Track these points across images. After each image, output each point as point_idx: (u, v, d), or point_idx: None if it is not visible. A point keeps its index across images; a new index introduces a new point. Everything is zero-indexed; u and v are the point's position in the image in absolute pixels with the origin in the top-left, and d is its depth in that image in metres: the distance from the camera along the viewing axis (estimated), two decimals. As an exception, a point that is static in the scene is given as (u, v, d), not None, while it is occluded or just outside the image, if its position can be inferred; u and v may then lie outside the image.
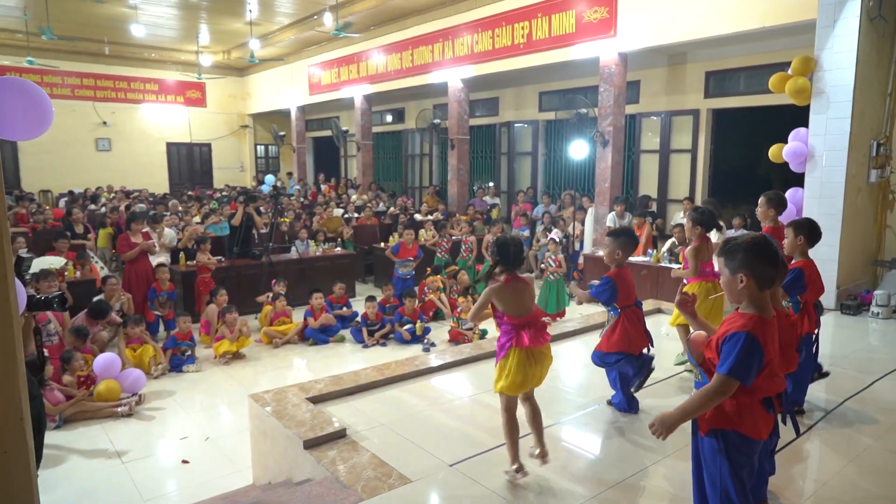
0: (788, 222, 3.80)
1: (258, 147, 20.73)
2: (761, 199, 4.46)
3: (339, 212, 12.26)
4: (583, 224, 10.27)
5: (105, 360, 5.47)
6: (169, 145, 18.97)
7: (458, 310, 7.59)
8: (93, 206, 12.58)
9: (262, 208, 9.65)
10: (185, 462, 4.46)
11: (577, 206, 10.69)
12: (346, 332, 7.50)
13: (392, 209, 12.76)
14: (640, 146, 11.31)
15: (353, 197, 14.59)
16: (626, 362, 3.67)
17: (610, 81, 9.29)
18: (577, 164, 11.70)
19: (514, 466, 2.95)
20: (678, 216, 9.78)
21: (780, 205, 4.42)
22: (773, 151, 6.70)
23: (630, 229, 3.95)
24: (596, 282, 3.85)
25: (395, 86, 13.58)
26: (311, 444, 3.27)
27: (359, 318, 7.56)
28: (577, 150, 9.25)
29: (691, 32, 8.20)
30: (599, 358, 3.78)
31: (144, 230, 7.56)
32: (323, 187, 16.63)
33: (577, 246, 10.20)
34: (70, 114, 17.13)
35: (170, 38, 16.47)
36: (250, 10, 13.21)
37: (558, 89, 12.37)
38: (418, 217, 12.12)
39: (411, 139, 16.40)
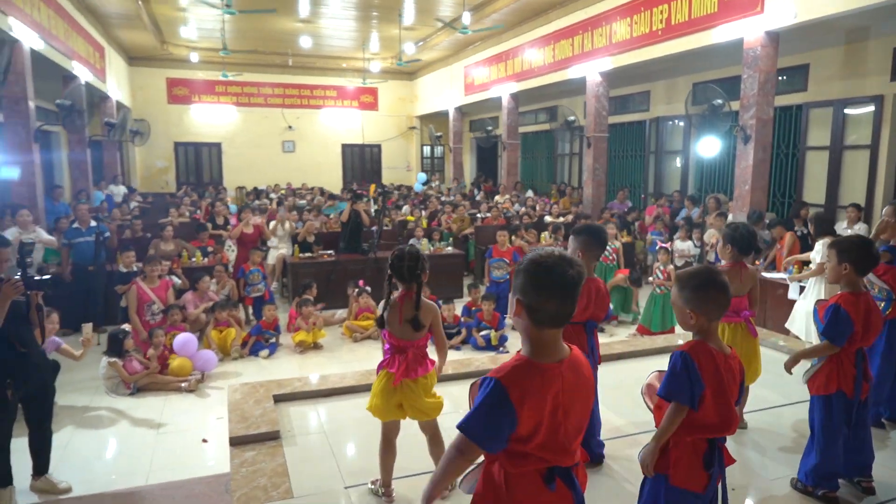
0: (830, 242, 2.90)
1: (424, 147, 21.57)
2: (888, 209, 3.45)
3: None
4: (721, 232, 8.94)
5: (183, 339, 6.06)
6: (343, 146, 20.59)
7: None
8: (258, 202, 14.11)
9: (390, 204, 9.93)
10: (204, 441, 4.75)
11: (723, 211, 9.37)
12: (424, 333, 7.41)
13: (522, 209, 12.37)
14: (807, 142, 9.53)
15: (497, 197, 14.47)
16: None
17: (754, 66, 7.95)
18: (733, 165, 10.24)
19: (383, 490, 2.83)
20: (842, 226, 8.05)
21: None
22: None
23: (595, 227, 3.29)
24: None
25: (537, 83, 13.14)
26: (235, 442, 3.24)
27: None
28: (708, 147, 8.07)
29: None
30: None
31: (258, 221, 8.27)
32: (482, 186, 16.77)
33: (711, 257, 8.92)
34: (263, 120, 19.47)
35: (344, 47, 17.81)
36: (400, 16, 13.74)
37: (717, 78, 10.94)
38: (548, 219, 11.61)
39: (561, 138, 15.78)
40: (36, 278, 3.53)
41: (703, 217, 9.85)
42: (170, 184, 18.64)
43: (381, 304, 2.91)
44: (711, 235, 9.06)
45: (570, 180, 15.76)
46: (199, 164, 19.34)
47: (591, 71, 11.19)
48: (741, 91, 8.20)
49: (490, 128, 14.64)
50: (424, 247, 9.67)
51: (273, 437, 3.31)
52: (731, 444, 3.40)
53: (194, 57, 16.98)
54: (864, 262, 2.83)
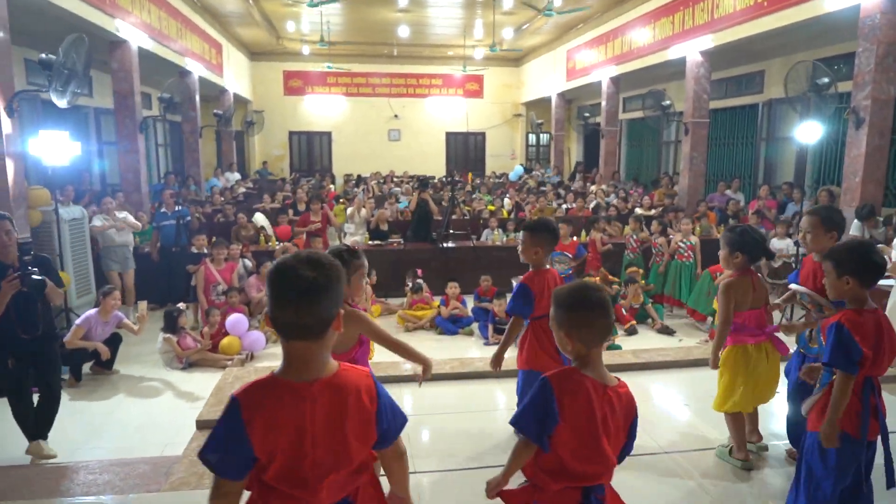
0: (825, 253, 2.45)
1: (529, 135, 21.10)
2: (805, 220, 2.97)
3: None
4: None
5: (234, 319, 6.39)
6: (448, 134, 20.70)
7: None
8: (356, 189, 14.56)
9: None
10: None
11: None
12: (475, 326, 7.25)
13: (615, 200, 11.68)
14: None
15: (592, 187, 13.83)
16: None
17: (871, 38, 6.85)
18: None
19: None
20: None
21: (833, 224, 2.91)
22: None
23: (549, 222, 3.03)
24: None
25: (637, 65, 12.34)
26: (201, 425, 3.33)
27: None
28: (807, 133, 7.09)
29: None
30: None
31: (324, 210, 8.52)
32: (577, 176, 16.15)
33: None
34: (370, 109, 20.05)
35: (448, 35, 17.81)
36: (495, 0, 13.45)
37: (842, 53, 9.61)
38: (639, 211, 10.87)
39: (667, 125, 14.68)
40: (33, 277, 3.66)
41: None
42: (284, 171, 19.81)
43: None
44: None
45: (677, 169, 14.65)
46: (311, 152, 20.38)
47: (691, 50, 10.27)
48: (855, 67, 7.11)
49: (587, 115, 13.98)
50: (496, 238, 9.45)
51: (238, 423, 3.35)
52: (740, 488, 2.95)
53: (306, 50, 17.81)
54: (867, 270, 2.32)
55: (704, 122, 10.49)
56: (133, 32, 9.08)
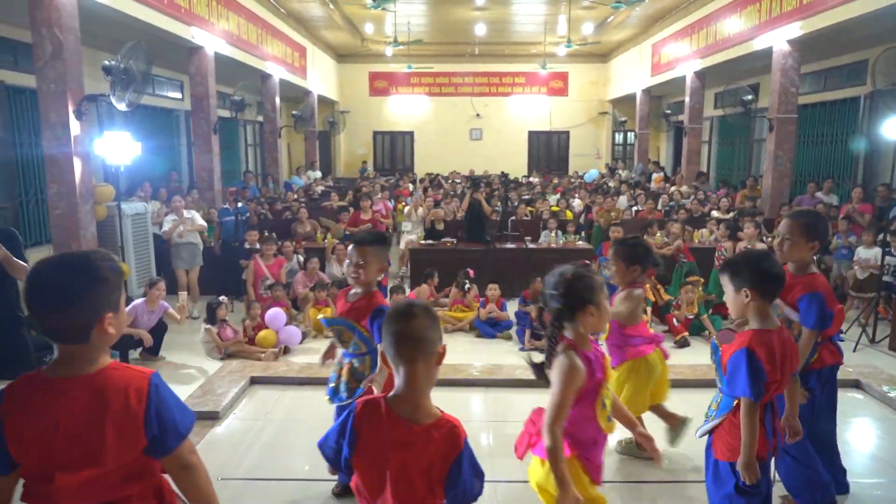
0: (721, 266, 2.28)
1: (616, 134, 20.30)
2: (784, 224, 2.61)
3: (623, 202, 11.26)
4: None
5: (272, 313, 6.60)
6: (530, 133, 20.35)
7: (629, 328, 6.22)
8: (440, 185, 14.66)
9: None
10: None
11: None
12: (513, 331, 7.05)
13: (689, 203, 10.94)
14: None
15: (673, 188, 13.08)
16: None
17: (978, 19, 5.94)
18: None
19: None
20: None
21: (815, 233, 2.56)
22: None
23: (383, 234, 2.89)
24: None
25: (721, 58, 11.49)
26: (178, 417, 3.43)
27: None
28: (894, 129, 6.27)
29: None
30: None
31: (376, 208, 8.61)
32: (655, 176, 15.33)
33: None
34: (452, 108, 20.11)
35: (530, 31, 17.50)
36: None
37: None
38: (715, 214, 10.14)
39: (759, 122, 13.55)
40: None
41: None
42: (368, 170, 20.32)
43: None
44: (911, 243, 7.09)
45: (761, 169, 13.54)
46: (394, 151, 20.77)
47: (778, 39, 9.41)
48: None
49: (669, 111, 13.23)
50: (552, 240, 9.15)
51: (212, 416, 3.44)
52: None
53: (389, 51, 18.16)
54: (766, 281, 2.08)
55: (792, 118, 9.57)
56: (209, 39, 9.62)
